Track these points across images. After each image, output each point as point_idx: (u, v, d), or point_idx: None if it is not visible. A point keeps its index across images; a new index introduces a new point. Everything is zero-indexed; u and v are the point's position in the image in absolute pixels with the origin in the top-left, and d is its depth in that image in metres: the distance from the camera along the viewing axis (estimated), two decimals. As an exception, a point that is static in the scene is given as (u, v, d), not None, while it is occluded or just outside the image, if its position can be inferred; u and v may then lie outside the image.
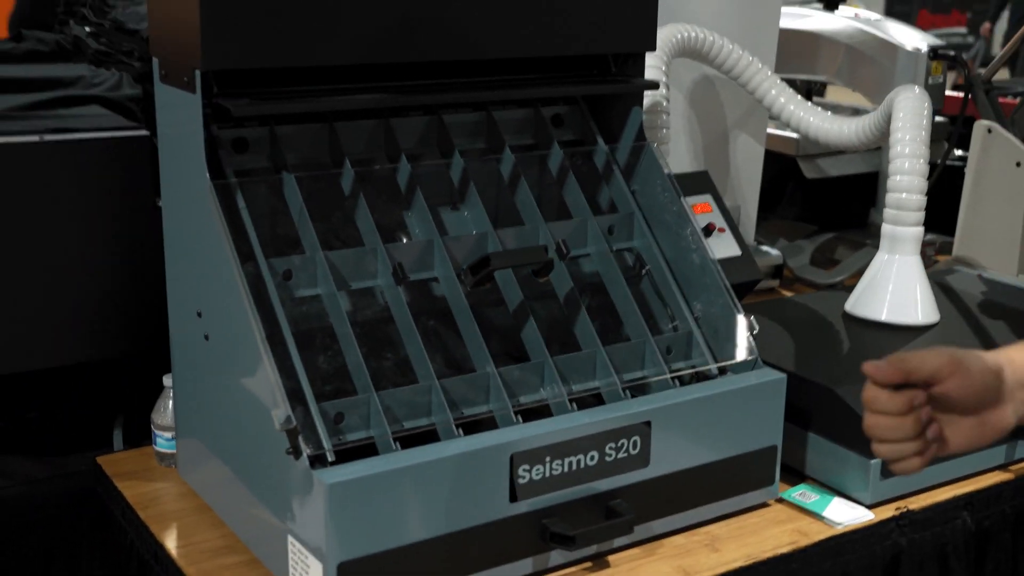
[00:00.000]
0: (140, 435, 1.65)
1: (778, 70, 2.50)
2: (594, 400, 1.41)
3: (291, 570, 1.26)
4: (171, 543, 1.39)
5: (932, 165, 2.31)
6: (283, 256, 1.34)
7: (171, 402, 1.55)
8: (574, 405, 1.37)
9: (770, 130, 2.40)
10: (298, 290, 1.34)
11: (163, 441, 1.57)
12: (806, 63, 2.51)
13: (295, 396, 1.24)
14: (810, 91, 2.71)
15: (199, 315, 1.39)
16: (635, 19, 1.58)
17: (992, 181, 2.15)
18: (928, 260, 2.40)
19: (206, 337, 1.39)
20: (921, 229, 1.78)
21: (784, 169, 2.46)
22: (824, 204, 2.54)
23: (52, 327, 1.57)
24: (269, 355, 1.24)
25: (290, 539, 1.25)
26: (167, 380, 1.56)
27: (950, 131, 2.43)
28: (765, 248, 2.36)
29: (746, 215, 2.37)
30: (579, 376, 1.42)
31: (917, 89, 1.86)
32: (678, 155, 2.26)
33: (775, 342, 1.67)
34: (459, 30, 1.46)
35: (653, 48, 1.60)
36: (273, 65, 1.35)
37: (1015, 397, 1.11)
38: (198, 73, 1.29)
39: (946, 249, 2.38)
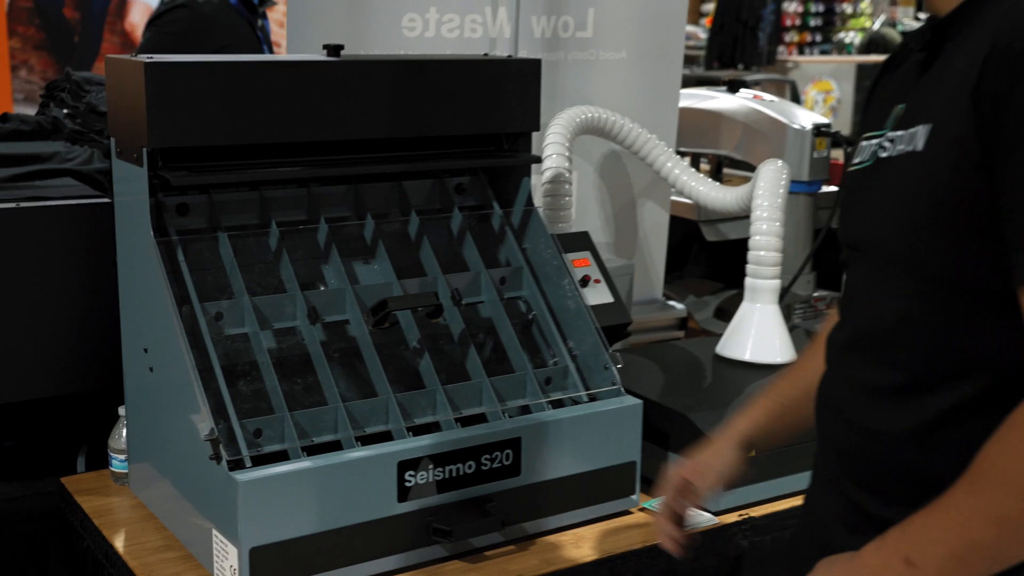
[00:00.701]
0: (101, 460, 1.91)
1: (685, 144, 2.81)
2: (479, 421, 1.68)
3: (215, 558, 1.52)
4: (119, 544, 1.65)
5: (818, 230, 2.60)
6: (215, 300, 1.62)
7: (124, 429, 1.82)
8: (459, 424, 1.64)
9: (677, 198, 2.68)
10: (227, 329, 1.62)
11: (118, 463, 1.83)
12: (710, 139, 2.81)
13: (220, 414, 1.51)
14: (720, 163, 3.01)
15: (145, 351, 1.67)
16: (521, 105, 1.88)
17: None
18: (819, 313, 2.68)
19: (151, 369, 1.66)
20: (777, 282, 2.06)
21: (689, 233, 2.75)
22: (727, 264, 2.82)
23: (25, 366, 1.84)
24: (198, 380, 1.51)
25: (214, 532, 1.51)
26: (121, 410, 1.83)
27: (836, 198, 2.72)
28: (672, 303, 2.64)
29: (654, 273, 2.66)
30: (467, 402, 1.69)
31: (779, 163, 2.15)
32: (590, 220, 2.55)
33: (649, 376, 1.95)
34: (375, 113, 1.75)
35: (537, 129, 1.89)
36: (209, 144, 1.64)
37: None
38: (145, 150, 1.58)
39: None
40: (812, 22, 12.66)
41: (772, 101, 2.77)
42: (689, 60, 11.70)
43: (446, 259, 1.83)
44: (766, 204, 2.07)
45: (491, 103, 1.85)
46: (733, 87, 2.84)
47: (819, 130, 2.63)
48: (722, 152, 2.81)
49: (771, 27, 10.99)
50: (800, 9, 12.46)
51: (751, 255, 2.07)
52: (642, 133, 2.39)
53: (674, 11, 2.55)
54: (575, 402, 1.75)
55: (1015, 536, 1.01)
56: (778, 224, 2.06)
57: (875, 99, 1.34)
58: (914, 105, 1.18)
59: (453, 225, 1.87)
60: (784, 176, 2.11)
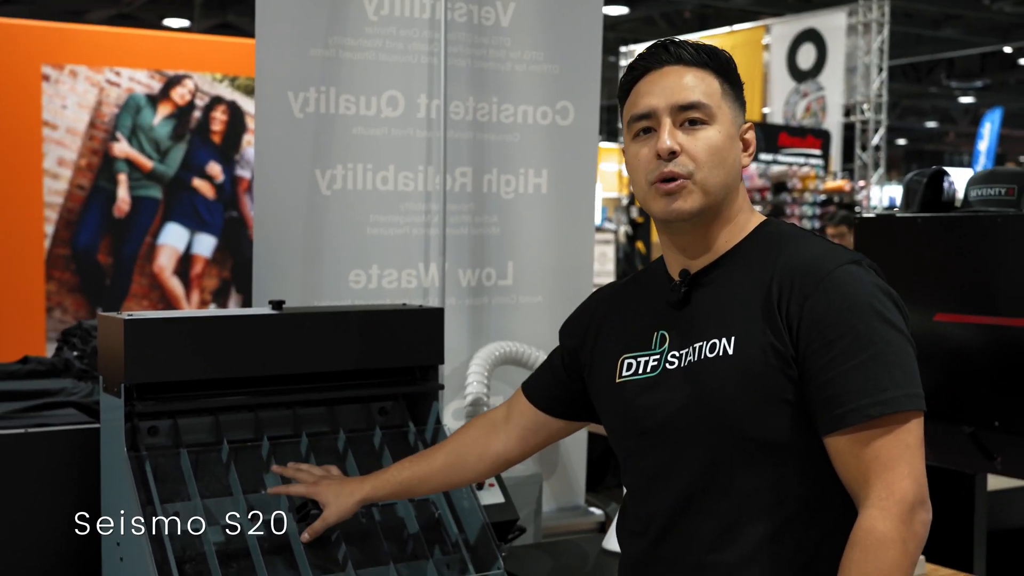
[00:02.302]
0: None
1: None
2: (385, 600, 2.07)
3: None
4: None
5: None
6: (172, 502, 2.05)
7: (102, 612, 2.22)
8: (367, 601, 2.04)
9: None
10: (182, 525, 2.05)
11: (96, 642, 2.22)
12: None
13: (171, 592, 1.92)
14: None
15: (118, 544, 2.09)
16: (429, 344, 2.35)
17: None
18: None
19: (121, 559, 2.08)
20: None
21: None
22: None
23: (27, 566, 2.26)
24: (154, 568, 1.93)
25: None
26: (100, 598, 2.23)
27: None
28: (592, 509, 3.04)
29: (576, 482, 3.07)
30: (377, 584, 2.09)
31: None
32: (517, 437, 2.98)
33: (538, 564, 2.34)
34: (310, 352, 2.23)
35: (441, 362, 2.36)
36: (175, 380, 2.12)
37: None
38: (123, 386, 2.06)
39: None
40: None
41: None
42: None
43: (367, 468, 2.26)
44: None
45: (404, 343, 2.33)
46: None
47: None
48: (637, 377, 3.26)
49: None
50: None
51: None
52: (554, 363, 2.85)
53: (582, 263, 3.06)
54: (467, 584, 2.15)
55: None
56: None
57: (609, 324, 1.83)
58: (683, 329, 1.67)
59: (375, 440, 2.32)
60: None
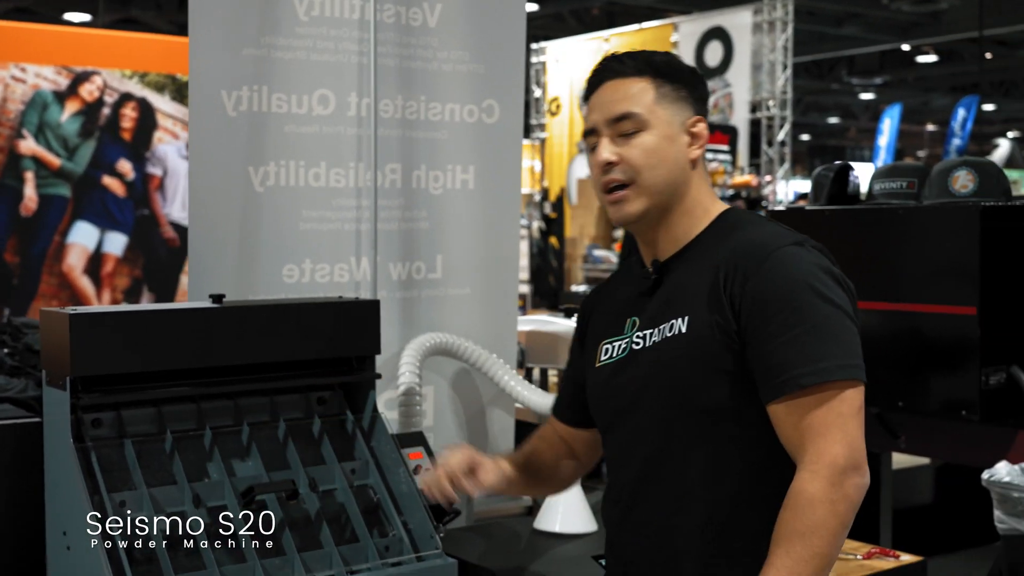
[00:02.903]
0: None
1: (532, 361, 3.39)
2: (329, 581, 2.15)
3: None
4: None
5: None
6: (119, 491, 2.10)
7: (48, 602, 2.26)
8: (310, 583, 2.11)
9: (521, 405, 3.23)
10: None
11: (41, 631, 2.26)
12: (552, 355, 3.39)
13: (121, 578, 1.98)
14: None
15: (64, 534, 2.13)
16: (365, 335, 2.43)
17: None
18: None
19: (68, 548, 2.12)
20: (579, 466, 2.58)
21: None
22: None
23: (-33, 555, 2.28)
24: (104, 554, 1.98)
25: (114, 671, 1.95)
26: (46, 587, 2.27)
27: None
28: (520, 494, 3.14)
29: (504, 469, 3.16)
30: (319, 566, 2.16)
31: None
32: (447, 425, 3.08)
33: (472, 545, 2.44)
34: (250, 344, 2.29)
35: (378, 352, 2.44)
36: (119, 372, 2.17)
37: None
38: (68, 379, 2.10)
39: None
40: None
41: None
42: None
43: (307, 456, 2.33)
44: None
45: (342, 334, 2.41)
46: (569, 313, 3.44)
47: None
48: (561, 366, 3.38)
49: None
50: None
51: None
52: (483, 353, 2.96)
53: (509, 256, 3.17)
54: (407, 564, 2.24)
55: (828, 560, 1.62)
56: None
57: (596, 316, 1.95)
58: (651, 314, 1.80)
59: (314, 429, 2.39)
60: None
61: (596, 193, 1.85)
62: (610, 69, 1.82)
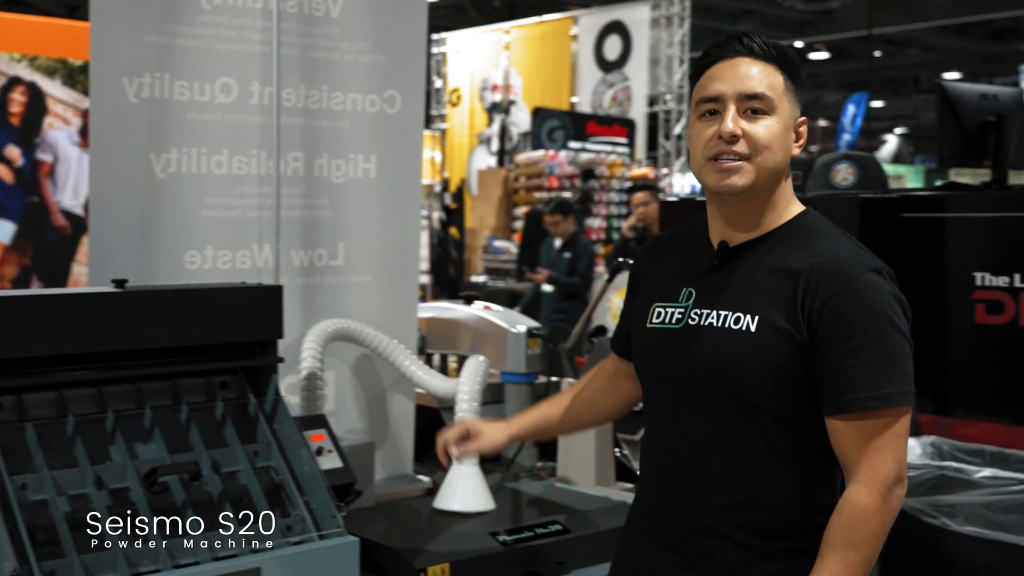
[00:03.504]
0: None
1: (434, 347, 3.45)
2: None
3: (16, 670, 1.97)
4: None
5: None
6: (21, 474, 2.12)
7: (-54, 586, 2.26)
8: (214, 561, 2.15)
9: (421, 390, 3.29)
10: (31, 496, 2.11)
11: (-61, 615, 2.26)
12: (451, 342, 3.46)
13: (23, 559, 2.00)
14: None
15: (-34, 516, 2.14)
16: (268, 320, 2.47)
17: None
18: (543, 478, 3.28)
19: (-31, 531, 2.13)
20: (477, 447, 2.67)
21: (435, 418, 3.35)
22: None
23: None
24: (7, 536, 2.00)
25: (17, 651, 1.97)
26: (-56, 571, 2.27)
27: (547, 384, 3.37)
28: (420, 476, 3.22)
29: (404, 452, 3.24)
30: (222, 546, 2.20)
31: (481, 358, 2.80)
32: (349, 409, 3.13)
33: (376, 524, 2.50)
34: (153, 329, 2.32)
35: (281, 337, 2.49)
36: (21, 356, 2.18)
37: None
38: (-32, 362, 2.11)
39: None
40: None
41: (498, 310, 3.45)
42: (504, 272, 12.87)
43: (210, 438, 2.37)
44: (466, 389, 2.70)
45: (244, 318, 2.45)
46: (468, 300, 3.52)
47: (531, 333, 3.31)
48: (461, 352, 3.46)
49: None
50: (604, 224, 13.64)
51: (456, 428, 2.67)
52: (384, 339, 3.02)
53: (409, 244, 3.23)
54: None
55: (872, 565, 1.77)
56: (476, 404, 2.68)
57: (651, 273, 2.03)
58: (706, 294, 1.90)
59: (217, 412, 2.43)
60: (483, 369, 2.74)
61: (696, 157, 1.89)
62: (745, 46, 1.88)
